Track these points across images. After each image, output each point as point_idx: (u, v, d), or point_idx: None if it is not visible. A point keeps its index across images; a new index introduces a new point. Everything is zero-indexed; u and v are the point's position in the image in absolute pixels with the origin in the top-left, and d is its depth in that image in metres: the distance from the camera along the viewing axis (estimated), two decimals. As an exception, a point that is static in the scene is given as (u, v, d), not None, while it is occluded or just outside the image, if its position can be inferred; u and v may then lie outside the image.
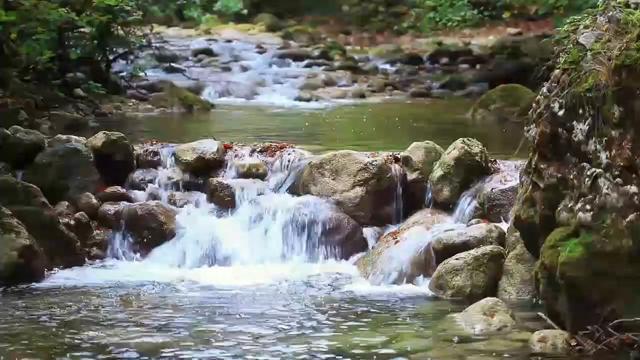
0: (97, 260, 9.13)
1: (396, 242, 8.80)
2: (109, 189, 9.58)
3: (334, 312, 7.53)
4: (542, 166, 6.79)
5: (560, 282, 6.43)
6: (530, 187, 6.99)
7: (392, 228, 9.22)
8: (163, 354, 6.40)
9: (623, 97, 6.23)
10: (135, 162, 9.92)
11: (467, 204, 8.98)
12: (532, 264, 7.40)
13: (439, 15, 22.01)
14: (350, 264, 9.01)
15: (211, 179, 9.70)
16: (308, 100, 17.57)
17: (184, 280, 8.46)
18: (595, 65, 6.35)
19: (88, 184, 9.58)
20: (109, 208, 9.40)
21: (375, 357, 6.41)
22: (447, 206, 9.11)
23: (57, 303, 7.74)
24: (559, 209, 6.63)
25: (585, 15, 6.78)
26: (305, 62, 22.36)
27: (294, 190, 9.51)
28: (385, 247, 8.85)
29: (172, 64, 19.74)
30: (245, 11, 30.77)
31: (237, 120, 14.84)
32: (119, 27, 15.41)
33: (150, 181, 9.76)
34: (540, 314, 6.89)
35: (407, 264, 8.46)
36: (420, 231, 8.83)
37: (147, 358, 6.35)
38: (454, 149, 9.20)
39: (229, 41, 25.91)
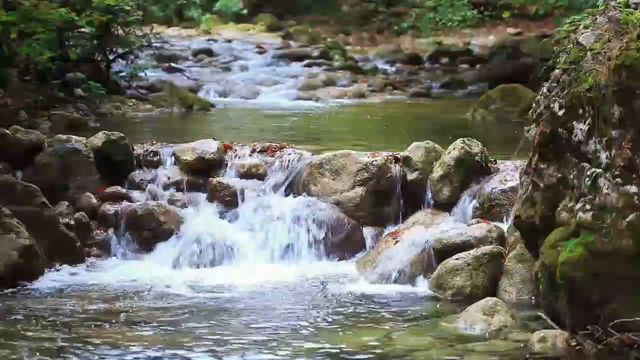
0: (97, 260, 9.13)
1: (396, 242, 8.80)
2: (109, 189, 9.58)
3: (334, 312, 7.53)
4: (542, 166, 6.79)
5: (560, 282, 6.43)
6: (530, 187, 6.99)
7: (392, 228, 9.22)
8: (163, 354, 6.41)
9: (623, 97, 6.23)
10: (135, 162, 9.92)
11: (467, 204, 8.98)
12: (532, 264, 7.40)
13: (439, 15, 22.03)
14: (350, 264, 9.01)
15: (211, 179, 9.70)
16: (308, 100, 17.57)
17: (183, 281, 8.45)
18: (595, 65, 6.35)
19: (88, 184, 9.58)
20: (109, 208, 9.40)
21: (374, 357, 6.42)
22: (447, 206, 9.11)
23: (57, 303, 7.74)
24: (559, 209, 6.63)
25: (585, 15, 6.78)
26: (305, 62, 22.36)
27: (294, 191, 9.51)
28: (385, 247, 8.85)
29: (172, 64, 19.73)
30: (245, 11, 30.78)
31: (237, 120, 14.83)
32: (119, 27, 15.40)
33: (150, 181, 9.76)
34: (540, 314, 6.89)
35: (407, 264, 8.46)
36: (420, 231, 8.83)
37: (147, 358, 6.35)
38: (454, 149, 9.21)
39: (229, 41, 25.91)
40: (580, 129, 6.49)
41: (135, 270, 8.80)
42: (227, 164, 9.85)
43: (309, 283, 8.46)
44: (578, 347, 6.37)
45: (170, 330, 6.98)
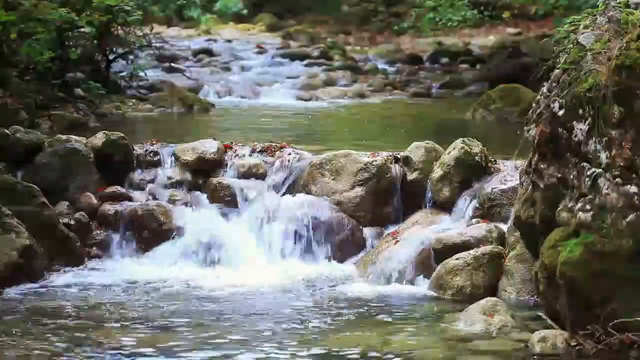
0: (97, 260, 9.12)
1: (396, 242, 8.81)
2: (109, 189, 9.58)
3: (334, 312, 7.53)
4: (542, 166, 6.79)
5: (560, 282, 6.43)
6: (530, 187, 6.99)
7: (392, 228, 9.22)
8: (163, 354, 6.41)
9: (623, 97, 6.23)
10: (135, 162, 9.91)
11: (467, 204, 8.98)
12: (532, 264, 7.40)
13: (439, 15, 22.00)
14: (350, 264, 9.01)
15: (211, 179, 9.70)
16: (308, 100, 17.56)
17: (183, 281, 8.46)
18: (595, 65, 6.35)
19: (88, 184, 9.57)
20: (109, 208, 9.40)
21: (375, 357, 6.42)
22: (447, 206, 9.11)
23: (56, 303, 7.74)
24: (559, 209, 6.63)
25: (585, 15, 6.78)
26: (305, 62, 22.35)
27: (294, 191, 9.51)
28: (385, 247, 8.85)
29: (172, 64, 19.71)
30: (245, 11, 30.77)
31: (237, 120, 14.83)
32: (119, 27, 15.39)
33: (150, 181, 9.76)
34: (540, 314, 6.89)
35: (407, 264, 8.47)
36: (420, 231, 8.83)
37: (147, 358, 6.35)
38: (454, 149, 9.21)
39: (229, 41, 25.90)
40: (580, 129, 6.49)
41: (135, 270, 8.81)
42: (227, 164, 9.85)
43: (308, 283, 8.46)
44: (578, 347, 6.37)
45: (169, 330, 6.98)
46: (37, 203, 8.84)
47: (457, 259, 8.09)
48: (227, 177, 9.73)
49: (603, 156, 6.33)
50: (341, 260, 9.07)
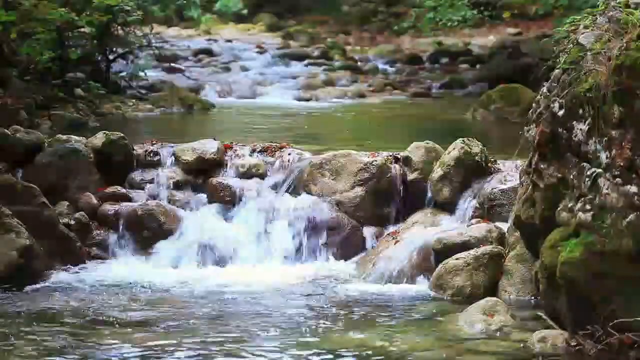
0: (97, 260, 9.12)
1: (396, 242, 8.81)
2: (109, 189, 9.58)
3: (334, 312, 7.53)
4: (542, 166, 6.79)
5: (560, 282, 6.44)
6: (530, 187, 6.99)
7: (392, 228, 9.22)
8: (163, 354, 6.41)
9: (623, 97, 6.23)
10: (135, 162, 9.90)
11: (467, 204, 8.98)
12: (532, 264, 7.41)
13: (439, 15, 22.03)
14: (350, 264, 9.01)
15: (211, 179, 9.69)
16: (308, 100, 17.57)
17: (183, 281, 8.46)
18: (595, 65, 6.35)
19: (88, 184, 9.57)
20: (109, 208, 9.40)
21: (375, 357, 6.42)
22: (447, 206, 9.11)
23: (56, 303, 7.74)
24: (559, 209, 6.63)
25: (585, 15, 6.79)
26: (305, 62, 22.36)
27: (294, 190, 9.51)
28: (385, 247, 8.85)
29: (172, 64, 19.72)
30: (245, 11, 30.77)
31: (237, 120, 14.84)
32: (119, 27, 15.40)
33: (150, 181, 9.75)
34: (540, 314, 6.89)
35: (407, 264, 8.46)
36: (420, 231, 8.83)
37: (146, 358, 6.35)
38: (454, 149, 9.21)
39: (229, 41, 25.91)
40: (580, 129, 6.49)
41: (135, 270, 8.80)
42: (227, 164, 9.85)
43: (308, 283, 8.46)
44: (578, 347, 6.37)
45: (169, 330, 6.98)
46: (37, 203, 8.84)
47: (457, 259, 8.09)
48: (227, 177, 9.73)
49: (603, 156, 6.33)
50: (341, 260, 9.07)
